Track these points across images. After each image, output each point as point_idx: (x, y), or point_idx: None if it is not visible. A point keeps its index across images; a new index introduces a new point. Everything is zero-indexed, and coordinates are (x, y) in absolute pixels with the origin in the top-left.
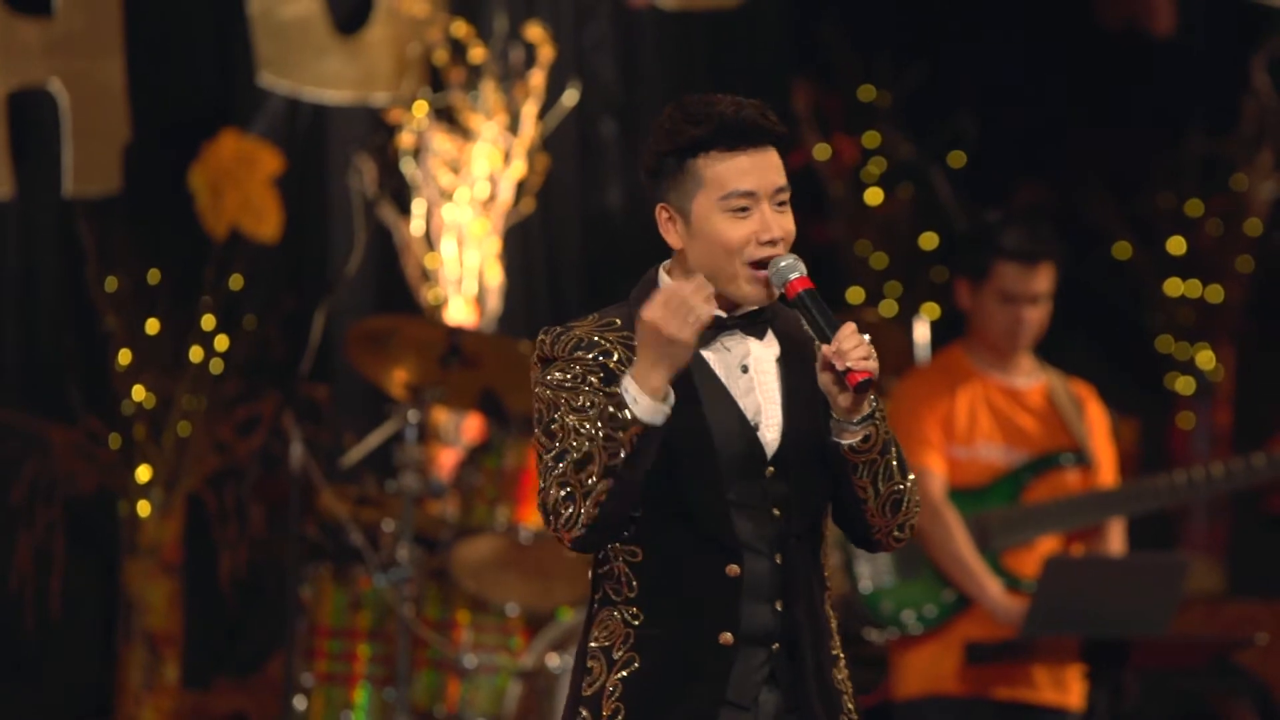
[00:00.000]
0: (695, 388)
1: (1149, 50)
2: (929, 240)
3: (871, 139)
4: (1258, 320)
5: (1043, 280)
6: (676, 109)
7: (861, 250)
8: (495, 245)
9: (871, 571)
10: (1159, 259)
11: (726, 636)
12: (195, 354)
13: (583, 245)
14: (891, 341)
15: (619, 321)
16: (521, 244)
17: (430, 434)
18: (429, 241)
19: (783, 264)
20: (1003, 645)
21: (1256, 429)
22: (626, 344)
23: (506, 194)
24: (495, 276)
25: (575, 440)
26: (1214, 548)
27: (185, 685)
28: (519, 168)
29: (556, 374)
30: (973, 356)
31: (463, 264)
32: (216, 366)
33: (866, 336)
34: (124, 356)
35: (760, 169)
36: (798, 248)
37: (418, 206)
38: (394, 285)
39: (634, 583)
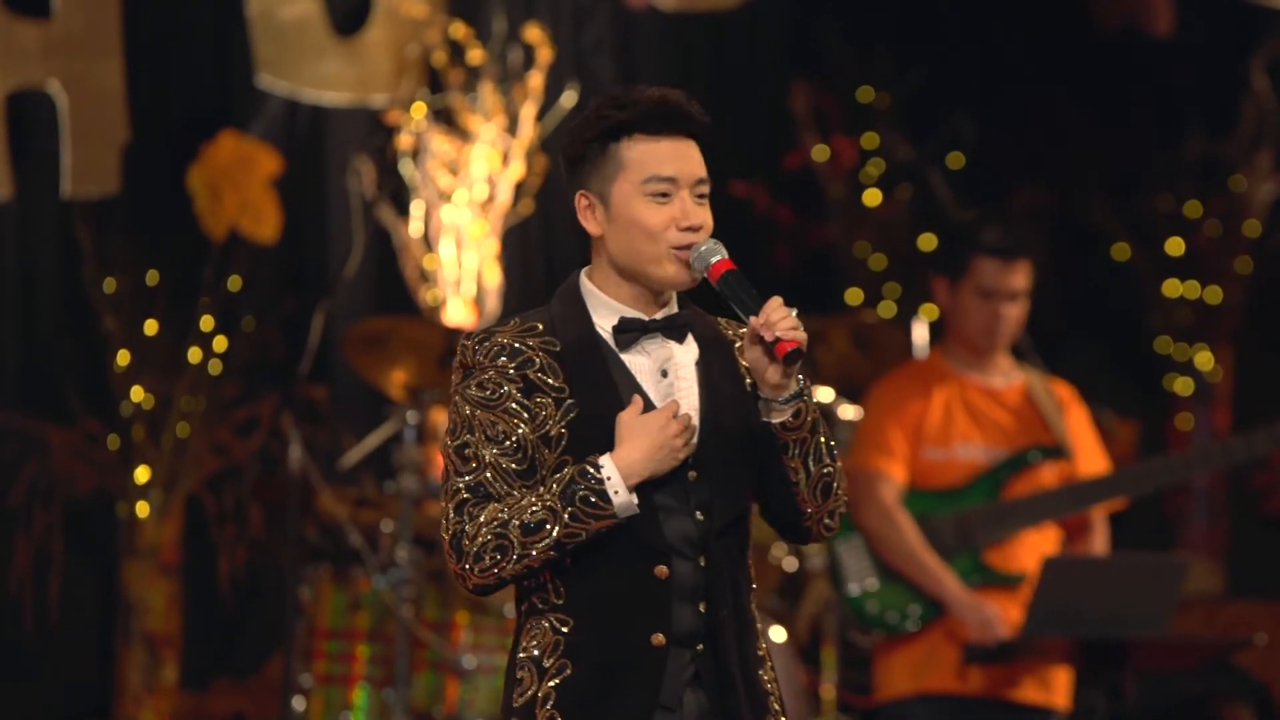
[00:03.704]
0: (616, 393)
1: (1148, 51)
2: (928, 241)
3: (870, 140)
4: (1257, 321)
5: (1020, 277)
6: (602, 98)
7: (860, 251)
8: (494, 247)
9: (856, 574)
10: (1158, 260)
11: (659, 638)
12: (194, 355)
13: (581, 247)
14: (890, 342)
15: (540, 326)
16: (520, 245)
17: (429, 435)
18: (427, 243)
19: (704, 248)
20: (1001, 646)
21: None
22: (548, 350)
23: (505, 195)
24: (494, 278)
25: (518, 500)
26: (1213, 549)
27: (184, 686)
28: (517, 169)
29: (474, 388)
30: (950, 358)
31: (461, 265)
32: (215, 368)
33: (794, 310)
34: (123, 358)
35: (682, 157)
36: (797, 250)
37: (416, 208)
38: (392, 286)
39: (561, 590)
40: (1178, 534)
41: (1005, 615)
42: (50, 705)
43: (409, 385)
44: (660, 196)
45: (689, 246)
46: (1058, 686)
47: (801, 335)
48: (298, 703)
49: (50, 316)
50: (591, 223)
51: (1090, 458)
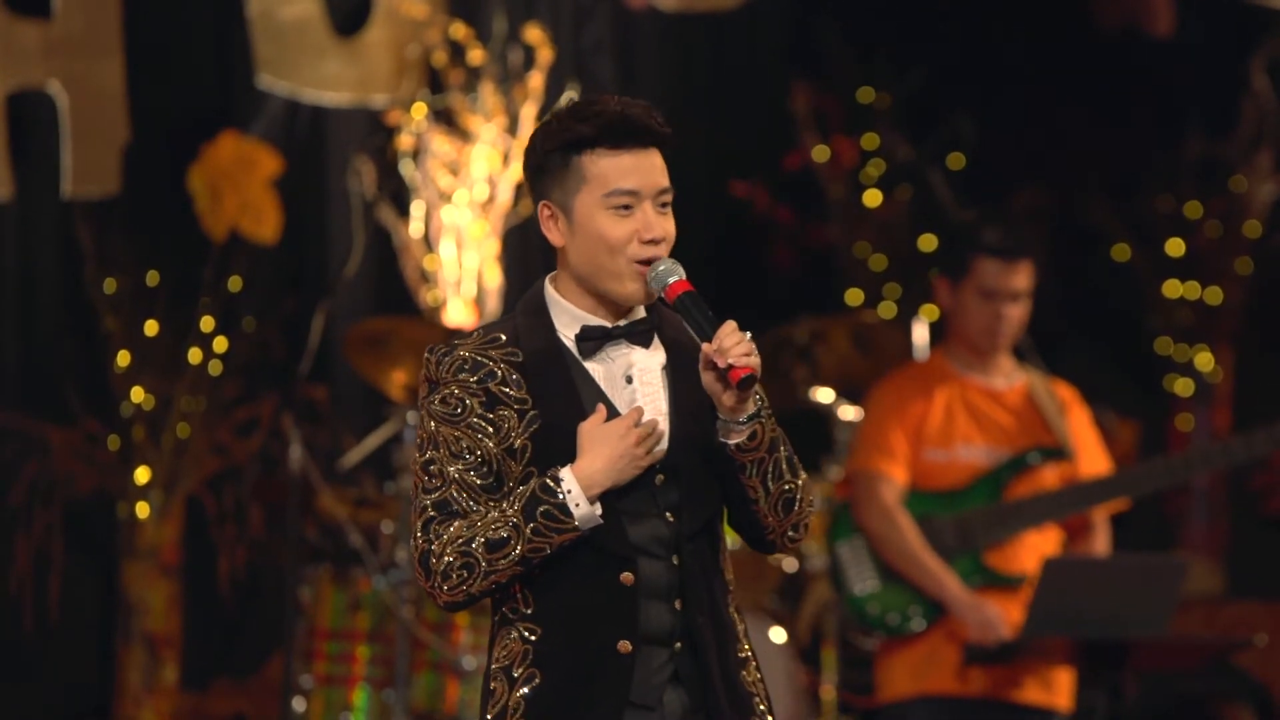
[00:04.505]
0: (579, 402)
1: (1148, 51)
2: (928, 242)
3: (870, 141)
4: (1257, 322)
5: (1022, 277)
6: (565, 108)
7: (860, 252)
8: (494, 247)
9: (858, 576)
10: (1158, 261)
11: (625, 645)
12: (194, 355)
13: None
14: (891, 343)
15: (503, 337)
16: (520, 246)
17: None
18: (428, 243)
19: (661, 268)
20: (1001, 646)
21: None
22: (510, 361)
23: (505, 196)
24: (494, 278)
25: (483, 516)
26: (1213, 549)
27: (184, 687)
28: (518, 169)
29: (438, 403)
30: (951, 359)
31: (461, 266)
32: (215, 368)
33: (748, 334)
34: (123, 358)
35: (644, 169)
36: (797, 250)
37: (416, 208)
38: (393, 287)
39: (530, 599)
40: (1178, 534)
41: (1006, 616)
42: (50, 705)
43: (409, 385)
44: (622, 209)
45: (650, 260)
46: (1059, 687)
47: (755, 361)
48: (298, 703)
49: (50, 316)
50: (554, 233)
51: (1092, 459)
